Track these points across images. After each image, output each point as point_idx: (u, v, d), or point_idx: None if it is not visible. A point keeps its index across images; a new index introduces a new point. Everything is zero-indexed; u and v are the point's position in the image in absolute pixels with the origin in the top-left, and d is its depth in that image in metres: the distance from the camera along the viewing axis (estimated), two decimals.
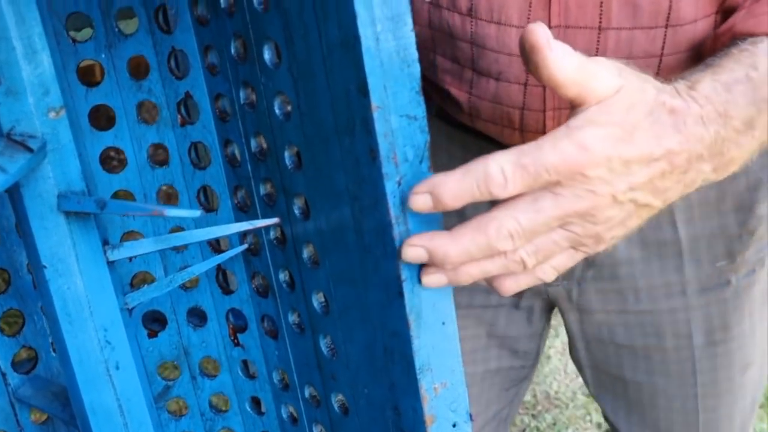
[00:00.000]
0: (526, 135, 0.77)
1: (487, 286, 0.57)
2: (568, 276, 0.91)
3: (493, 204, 0.55)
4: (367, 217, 0.59)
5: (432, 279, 0.54)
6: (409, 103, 0.55)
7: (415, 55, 0.55)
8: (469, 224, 0.52)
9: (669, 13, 0.68)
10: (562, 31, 0.71)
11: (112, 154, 0.79)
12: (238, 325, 0.80)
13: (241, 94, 0.68)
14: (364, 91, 0.54)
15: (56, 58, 0.64)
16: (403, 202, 0.56)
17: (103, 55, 0.73)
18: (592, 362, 0.99)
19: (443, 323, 0.60)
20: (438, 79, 0.81)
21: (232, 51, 0.66)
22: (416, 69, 0.55)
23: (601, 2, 0.69)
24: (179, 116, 0.74)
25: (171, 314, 0.80)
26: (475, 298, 0.95)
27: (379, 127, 0.54)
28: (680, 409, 0.96)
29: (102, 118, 0.77)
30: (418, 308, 0.59)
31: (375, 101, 0.54)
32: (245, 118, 0.68)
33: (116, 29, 0.72)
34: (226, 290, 0.79)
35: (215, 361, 0.82)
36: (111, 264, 0.63)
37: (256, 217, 0.72)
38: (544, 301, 0.97)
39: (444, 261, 0.52)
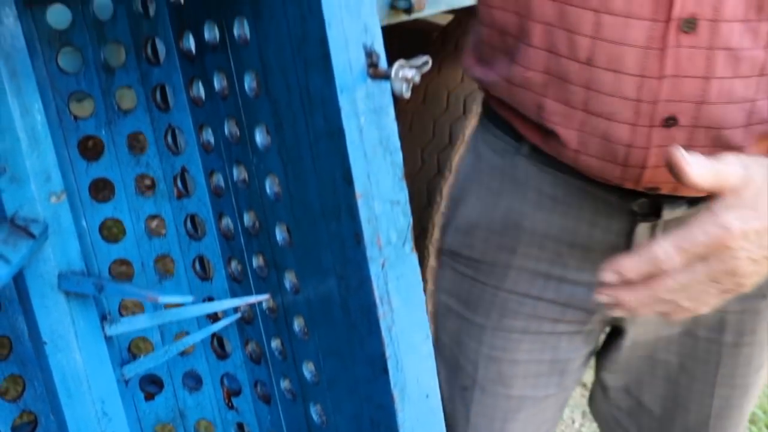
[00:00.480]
0: (627, 169, 0.84)
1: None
2: None
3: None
4: (353, 296, 0.61)
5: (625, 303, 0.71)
6: (392, 189, 0.58)
7: (398, 143, 0.58)
8: (645, 283, 0.69)
9: (764, 65, 0.79)
10: (673, 81, 0.79)
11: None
12: (232, 389, 0.82)
13: (235, 172, 0.71)
14: (348, 179, 0.57)
15: (58, 136, 0.67)
16: (387, 283, 0.59)
17: (103, 131, 0.76)
18: (625, 365, 1.07)
19: (427, 396, 0.62)
20: (544, 120, 0.88)
21: (226, 131, 0.69)
22: (398, 157, 0.58)
23: (708, 56, 0.78)
24: (176, 189, 0.77)
25: (167, 378, 0.82)
26: (544, 326, 1.00)
27: (363, 213, 0.57)
28: (698, 391, 1.06)
29: (102, 188, 0.80)
30: (402, 383, 0.61)
31: (359, 189, 0.57)
32: (238, 195, 0.71)
33: (116, 107, 0.75)
34: (221, 355, 0.81)
35: (210, 424, 0.84)
36: (109, 338, 0.65)
37: (249, 287, 0.74)
38: (604, 323, 1.03)
39: (626, 304, 0.71)
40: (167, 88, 0.73)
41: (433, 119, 1.78)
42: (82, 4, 0.71)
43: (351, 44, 0.54)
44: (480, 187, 0.98)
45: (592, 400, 1.16)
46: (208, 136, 0.73)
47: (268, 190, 0.66)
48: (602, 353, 1.07)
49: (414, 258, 0.60)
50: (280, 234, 0.67)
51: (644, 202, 0.89)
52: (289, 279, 0.68)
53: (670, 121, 0.79)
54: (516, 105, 0.90)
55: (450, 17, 1.94)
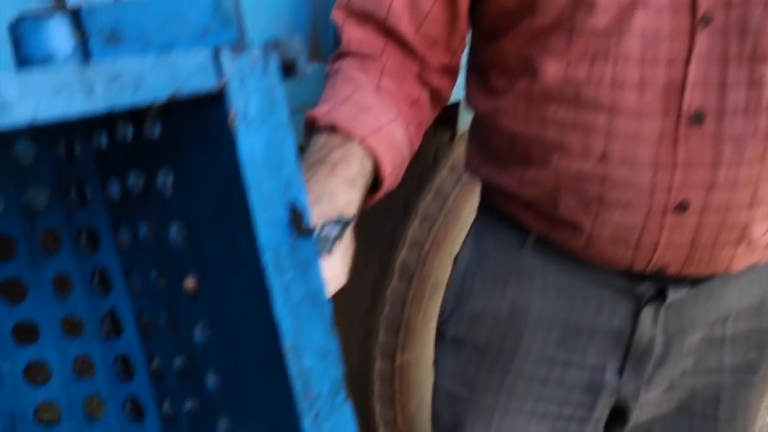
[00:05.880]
0: (639, 252, 0.89)
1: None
2: (640, 377, 1.00)
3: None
4: None
5: None
6: (323, 340, 0.58)
7: (326, 296, 0.58)
8: None
9: (765, 151, 0.84)
10: (685, 169, 0.84)
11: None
12: None
13: (162, 316, 0.69)
14: (275, 334, 0.56)
15: None
16: None
17: (27, 274, 0.74)
18: None
19: None
20: (558, 213, 0.92)
21: (152, 276, 0.68)
22: (327, 308, 0.58)
23: (715, 145, 0.84)
24: (104, 329, 0.75)
25: None
26: (551, 407, 1.02)
27: (292, 367, 0.56)
28: None
29: (25, 330, 0.77)
30: None
31: (287, 344, 0.56)
32: (168, 337, 0.70)
33: (39, 248, 0.74)
34: None
35: None
36: None
37: (180, 431, 0.72)
38: (611, 410, 1.05)
39: None
40: (93, 231, 0.72)
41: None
42: (1, 148, 0.70)
43: (273, 202, 0.54)
44: (485, 278, 1.01)
45: None
46: (136, 278, 0.72)
47: (196, 337, 0.65)
48: None
49: (348, 407, 0.60)
50: (210, 381, 0.66)
51: (650, 285, 0.91)
52: (223, 426, 0.67)
53: (683, 206, 0.83)
54: (526, 201, 0.93)
55: None
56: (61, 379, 0.76)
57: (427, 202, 1.57)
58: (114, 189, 0.69)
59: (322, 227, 0.54)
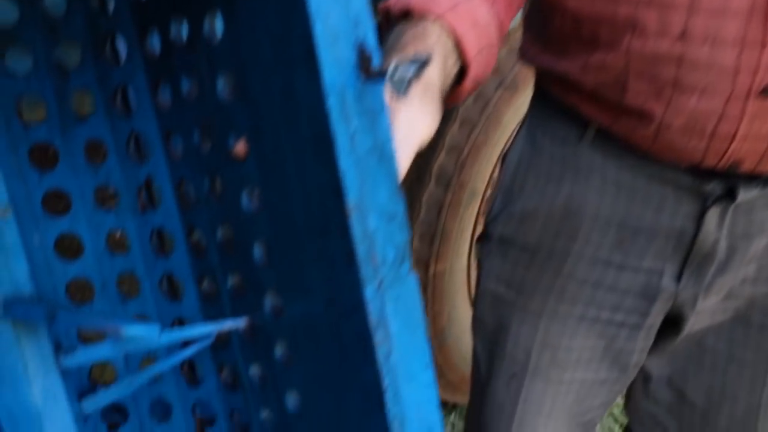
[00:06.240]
0: (713, 143, 0.81)
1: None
2: (699, 283, 0.94)
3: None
4: (344, 320, 0.55)
5: None
6: (388, 201, 0.52)
7: (393, 150, 0.52)
8: None
9: None
10: None
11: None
12: (205, 418, 0.75)
13: (206, 183, 0.64)
14: (338, 192, 0.50)
15: (3, 143, 0.59)
16: (384, 306, 0.53)
17: (58, 139, 0.68)
18: (673, 353, 1.04)
19: (429, 430, 0.56)
20: (626, 101, 0.84)
21: (195, 139, 0.62)
22: (393, 165, 0.52)
23: None
24: (140, 201, 0.70)
25: (133, 406, 0.75)
26: (602, 312, 0.97)
27: (355, 229, 0.51)
28: (748, 379, 1.03)
29: (57, 201, 0.72)
30: (401, 417, 0.55)
31: (350, 202, 0.50)
32: (210, 207, 0.65)
33: (72, 112, 0.68)
34: (193, 381, 0.74)
35: None
36: (64, 370, 0.58)
37: (222, 308, 0.68)
38: (665, 318, 1.00)
39: None
40: (129, 91, 0.66)
41: None
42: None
43: (340, 40, 0.48)
44: (538, 176, 0.95)
45: (629, 398, 1.13)
46: (177, 143, 0.66)
47: (244, 204, 0.60)
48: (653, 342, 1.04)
49: (413, 278, 0.54)
50: (258, 252, 0.61)
51: (718, 184, 0.86)
52: (270, 300, 0.62)
53: None
54: (589, 90, 0.86)
55: None
56: (93, 254, 0.71)
57: (467, 106, 1.50)
58: (153, 42, 0.63)
59: (396, 67, 0.47)
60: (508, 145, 1.48)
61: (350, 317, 0.54)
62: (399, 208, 0.53)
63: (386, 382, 0.53)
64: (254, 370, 0.67)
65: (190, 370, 0.75)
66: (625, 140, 0.88)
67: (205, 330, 0.56)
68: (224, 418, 0.74)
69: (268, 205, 0.58)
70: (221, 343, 0.70)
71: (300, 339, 0.60)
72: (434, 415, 0.57)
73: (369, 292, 0.52)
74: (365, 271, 0.52)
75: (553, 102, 0.95)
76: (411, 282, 0.54)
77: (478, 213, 1.61)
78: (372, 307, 0.52)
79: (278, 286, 0.60)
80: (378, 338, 0.53)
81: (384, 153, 0.51)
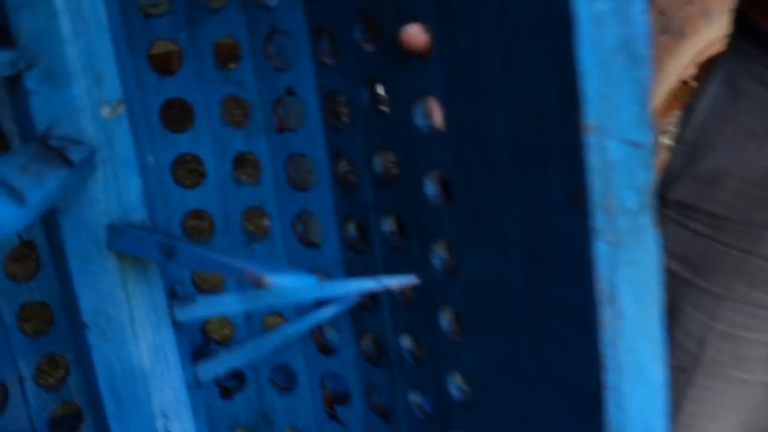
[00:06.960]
0: None
1: None
2: None
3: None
4: (553, 286, 0.40)
5: None
6: (637, 123, 0.36)
7: (648, 51, 0.36)
8: None
9: None
10: None
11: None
12: (336, 393, 0.61)
13: (365, 95, 0.49)
14: (571, 101, 0.35)
15: (119, 35, 0.46)
16: (617, 271, 0.37)
17: (183, 35, 0.55)
18: None
19: None
20: None
21: (356, 34, 0.48)
22: (646, 72, 0.36)
23: None
24: (276, 119, 0.56)
25: (251, 372, 0.62)
26: None
27: (592, 157, 0.35)
28: None
29: (177, 116, 0.60)
30: (620, 426, 0.39)
31: (590, 118, 0.35)
32: (369, 128, 0.50)
33: (201, 3, 0.55)
34: (325, 349, 0.60)
35: None
36: (178, 324, 0.45)
37: (372, 262, 0.53)
38: None
39: None
40: None
41: None
42: None
43: None
44: (736, 129, 0.79)
45: None
46: (328, 43, 0.52)
47: (419, 121, 0.45)
48: None
49: (657, 236, 0.38)
50: (431, 187, 0.46)
51: None
52: (440, 254, 0.47)
53: None
54: None
55: None
56: (216, 181, 0.58)
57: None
58: None
59: None
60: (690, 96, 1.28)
61: (564, 282, 0.39)
62: (648, 136, 0.37)
63: (609, 377, 0.38)
64: (406, 343, 0.53)
65: (320, 336, 0.61)
66: None
67: (363, 286, 0.41)
68: (360, 396, 0.60)
69: (453, 122, 0.42)
70: (364, 305, 0.56)
71: (478, 307, 0.45)
72: (661, 427, 0.41)
73: (601, 248, 0.36)
74: (598, 219, 0.36)
75: (761, 38, 0.79)
76: (653, 242, 0.38)
77: None
78: (602, 270, 0.37)
79: (456, 234, 0.45)
80: (605, 316, 0.37)
81: (635, 54, 0.35)
